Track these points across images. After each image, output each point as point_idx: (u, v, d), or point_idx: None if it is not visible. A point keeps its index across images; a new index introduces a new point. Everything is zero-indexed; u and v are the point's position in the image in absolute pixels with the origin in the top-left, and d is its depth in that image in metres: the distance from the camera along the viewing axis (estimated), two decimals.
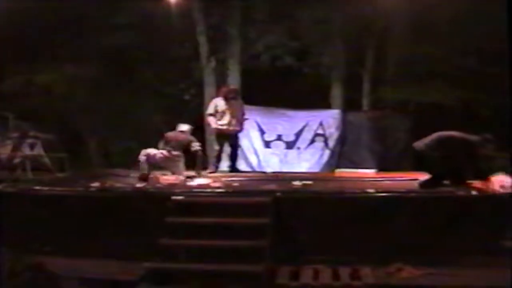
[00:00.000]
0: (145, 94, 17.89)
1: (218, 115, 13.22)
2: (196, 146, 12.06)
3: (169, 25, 17.32)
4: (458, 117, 16.30)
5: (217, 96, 13.97)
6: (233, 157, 13.69)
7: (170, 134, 12.20)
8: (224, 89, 13.87)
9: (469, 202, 9.09)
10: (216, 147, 13.68)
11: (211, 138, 15.46)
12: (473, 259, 8.44)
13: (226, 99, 13.29)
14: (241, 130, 13.74)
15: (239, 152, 14.98)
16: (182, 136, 12.23)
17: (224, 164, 13.87)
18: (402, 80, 16.52)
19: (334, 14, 17.71)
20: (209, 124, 13.78)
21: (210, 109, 13.38)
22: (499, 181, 9.65)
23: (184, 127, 12.36)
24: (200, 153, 12.19)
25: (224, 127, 13.23)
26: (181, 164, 12.10)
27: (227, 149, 13.66)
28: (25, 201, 9.33)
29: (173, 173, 11.85)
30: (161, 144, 12.06)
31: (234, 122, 13.29)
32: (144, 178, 11.16)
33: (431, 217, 8.77)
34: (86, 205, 9.14)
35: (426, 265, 8.15)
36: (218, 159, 13.59)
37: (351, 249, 8.52)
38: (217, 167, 13.50)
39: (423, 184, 9.84)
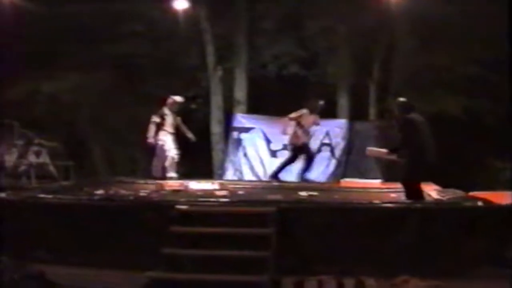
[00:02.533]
0: (151, 103, 17.83)
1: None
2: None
3: (177, 34, 17.31)
4: (463, 125, 16.27)
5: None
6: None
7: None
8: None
9: (476, 213, 9.01)
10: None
11: None
12: (481, 271, 8.35)
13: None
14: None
15: (246, 161, 15.26)
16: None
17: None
18: (409, 89, 16.44)
19: (341, 23, 17.69)
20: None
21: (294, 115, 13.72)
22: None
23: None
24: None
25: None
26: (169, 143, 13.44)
27: None
28: (28, 209, 9.23)
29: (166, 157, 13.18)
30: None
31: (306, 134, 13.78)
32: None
33: (438, 228, 8.65)
34: (89, 213, 9.03)
35: (432, 277, 8.03)
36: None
37: (356, 260, 8.40)
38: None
39: None
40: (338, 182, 14.13)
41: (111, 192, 10.53)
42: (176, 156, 13.59)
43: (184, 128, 13.85)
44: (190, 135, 13.83)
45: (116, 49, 17.03)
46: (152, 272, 7.91)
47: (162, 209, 8.90)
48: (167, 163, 13.39)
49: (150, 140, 13.46)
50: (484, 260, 8.49)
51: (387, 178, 13.98)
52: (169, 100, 13.82)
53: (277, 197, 10.00)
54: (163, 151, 13.46)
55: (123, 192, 10.58)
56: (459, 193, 10.89)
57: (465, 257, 8.49)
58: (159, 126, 13.52)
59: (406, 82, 16.98)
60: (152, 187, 11.62)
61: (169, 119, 13.66)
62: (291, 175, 14.82)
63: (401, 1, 15.17)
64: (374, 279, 8.02)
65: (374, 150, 11.32)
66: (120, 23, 17.02)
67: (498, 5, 14.80)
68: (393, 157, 10.31)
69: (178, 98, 13.93)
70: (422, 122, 10.05)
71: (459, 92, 16.16)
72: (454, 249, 8.56)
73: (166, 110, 13.68)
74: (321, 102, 13.96)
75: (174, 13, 16.35)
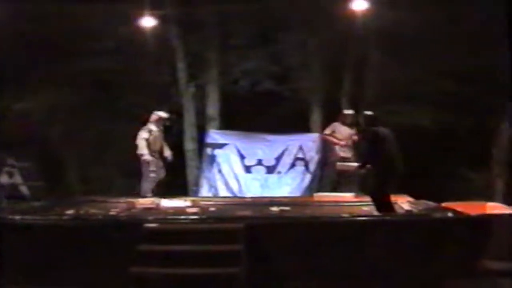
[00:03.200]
0: (125, 120, 17.76)
1: None
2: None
3: (149, 51, 17.24)
4: (436, 137, 16.33)
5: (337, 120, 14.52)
6: None
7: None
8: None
9: (446, 224, 9.04)
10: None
11: None
12: (453, 282, 8.37)
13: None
14: None
15: (220, 177, 15.29)
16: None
17: None
18: (381, 102, 16.52)
19: (313, 38, 17.73)
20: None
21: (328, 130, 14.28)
22: None
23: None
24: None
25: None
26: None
27: None
28: None
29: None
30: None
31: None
32: None
33: (409, 240, 8.67)
34: (58, 234, 8.95)
35: None
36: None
37: (327, 274, 8.40)
38: None
39: None
40: (311, 196, 14.10)
41: (81, 211, 10.44)
42: (162, 176, 13.52)
43: (164, 146, 13.67)
44: (168, 153, 13.64)
45: (87, 67, 16.93)
46: None
47: (131, 228, 8.84)
48: (148, 183, 13.22)
49: (147, 157, 13.08)
50: (456, 271, 8.52)
51: (361, 191, 14.00)
52: (154, 116, 13.60)
53: (247, 213, 9.96)
54: (148, 170, 13.24)
55: (93, 211, 10.49)
56: (431, 204, 10.92)
57: (437, 268, 8.51)
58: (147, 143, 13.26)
59: (378, 95, 17.06)
60: (123, 205, 11.54)
61: (156, 136, 13.46)
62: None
63: (373, 14, 15.18)
64: None
65: (344, 164, 11.37)
66: (92, 41, 16.92)
67: (469, 20, 15.02)
68: (362, 171, 10.36)
69: (163, 114, 13.81)
70: (388, 135, 10.10)
71: (430, 104, 16.24)
72: (426, 260, 8.58)
73: (152, 126, 13.47)
74: (349, 112, 14.08)
75: (146, 29, 16.23)
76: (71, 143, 17.44)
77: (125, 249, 8.38)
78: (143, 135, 13.19)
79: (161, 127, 13.65)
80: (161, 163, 13.49)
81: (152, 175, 13.19)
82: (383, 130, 10.12)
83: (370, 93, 17.39)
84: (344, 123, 14.00)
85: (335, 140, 13.89)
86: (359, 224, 8.99)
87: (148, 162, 13.08)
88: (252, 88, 18.56)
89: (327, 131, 14.10)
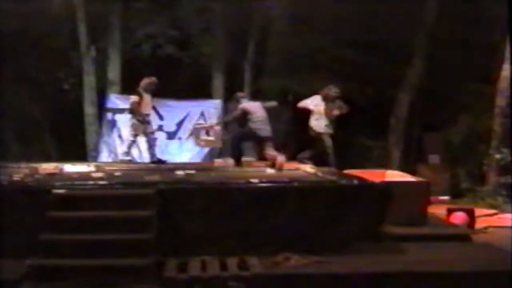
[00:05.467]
0: (21, 83, 17.22)
1: None
2: None
3: (48, 12, 16.75)
4: None
5: None
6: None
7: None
8: None
9: (352, 190, 9.31)
10: None
11: None
12: (358, 246, 8.66)
13: None
14: None
15: (120, 142, 15.15)
16: None
17: None
18: (283, 70, 16.73)
19: (216, 4, 17.69)
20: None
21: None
22: None
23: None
24: None
25: None
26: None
27: None
28: None
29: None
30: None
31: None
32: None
33: (316, 206, 8.89)
34: None
35: (313, 253, 8.25)
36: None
37: (238, 240, 8.51)
38: None
39: None
40: (212, 162, 14.16)
41: None
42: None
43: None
44: None
45: None
46: (31, 259, 7.70)
47: (39, 194, 8.66)
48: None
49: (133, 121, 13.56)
50: (361, 235, 8.84)
51: (261, 158, 14.19)
52: (145, 80, 13.70)
53: (156, 178, 9.94)
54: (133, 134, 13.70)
55: None
56: (333, 171, 11.23)
57: (343, 232, 8.80)
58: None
59: (280, 63, 17.27)
60: (26, 171, 11.25)
61: (147, 100, 13.61)
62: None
63: None
64: (256, 257, 8.15)
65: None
66: None
67: None
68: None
69: (153, 78, 13.86)
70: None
71: (331, 73, 16.53)
72: (333, 225, 8.83)
73: (142, 91, 13.54)
74: (332, 87, 13.51)
75: None
76: None
77: (34, 216, 8.23)
78: (133, 99, 13.43)
79: (151, 91, 13.72)
80: (151, 128, 13.95)
81: (132, 138, 13.79)
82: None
83: (273, 61, 17.59)
84: (326, 98, 13.58)
85: (310, 107, 13.48)
86: (268, 189, 9.11)
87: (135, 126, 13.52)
88: (154, 52, 18.35)
89: (308, 100, 13.43)
